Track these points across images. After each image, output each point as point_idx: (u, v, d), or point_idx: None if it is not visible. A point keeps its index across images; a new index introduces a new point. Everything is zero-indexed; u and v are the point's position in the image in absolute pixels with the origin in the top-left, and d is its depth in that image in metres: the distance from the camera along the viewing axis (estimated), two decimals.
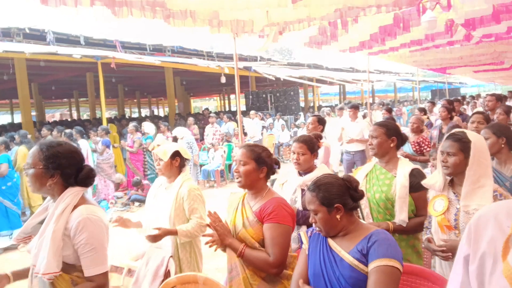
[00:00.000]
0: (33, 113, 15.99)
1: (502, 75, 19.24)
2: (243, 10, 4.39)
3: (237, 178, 2.15)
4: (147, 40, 13.12)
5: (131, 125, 8.84)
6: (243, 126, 8.32)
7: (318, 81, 18.59)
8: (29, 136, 7.68)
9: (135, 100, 30.80)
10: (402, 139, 2.67)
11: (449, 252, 2.06)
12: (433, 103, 10.63)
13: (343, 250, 1.71)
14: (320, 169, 2.79)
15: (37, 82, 16.68)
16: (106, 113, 12.90)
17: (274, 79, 14.67)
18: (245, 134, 10.50)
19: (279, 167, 2.31)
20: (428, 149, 5.04)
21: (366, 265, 1.64)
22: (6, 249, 5.65)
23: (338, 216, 1.73)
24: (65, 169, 1.85)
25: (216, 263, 4.56)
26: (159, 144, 6.26)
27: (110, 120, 14.94)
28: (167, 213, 2.71)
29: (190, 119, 11.17)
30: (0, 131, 11.48)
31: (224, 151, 9.74)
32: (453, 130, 2.31)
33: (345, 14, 4.58)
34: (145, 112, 33.42)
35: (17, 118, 23.67)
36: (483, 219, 0.85)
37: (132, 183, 8.20)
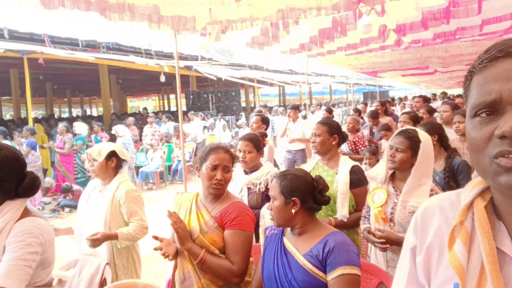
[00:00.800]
0: None
1: (426, 79, 20.90)
2: (185, 5, 4.25)
3: (220, 185, 1.98)
4: (79, 35, 12.31)
5: (61, 125, 8.24)
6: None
7: (259, 82, 18.83)
8: None
9: (65, 99, 28.88)
10: (343, 137, 2.75)
11: (386, 243, 2.15)
12: (366, 104, 11.30)
13: (298, 252, 1.68)
14: (266, 167, 2.78)
15: None
16: (33, 112, 11.91)
17: (215, 79, 14.56)
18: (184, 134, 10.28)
19: None
20: (363, 148, 5.29)
21: (321, 269, 1.61)
22: None
23: (293, 210, 1.70)
24: (2, 183, 1.58)
25: (154, 268, 4.39)
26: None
27: (36, 120, 13.83)
28: (102, 217, 2.53)
29: (130, 119, 10.67)
30: None
31: (164, 152, 9.44)
32: (406, 127, 2.41)
33: (287, 15, 4.64)
34: (76, 111, 31.52)
35: None
36: (429, 210, 0.86)
37: (61, 189, 7.60)
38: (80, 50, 11.70)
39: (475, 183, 0.81)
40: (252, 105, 24.64)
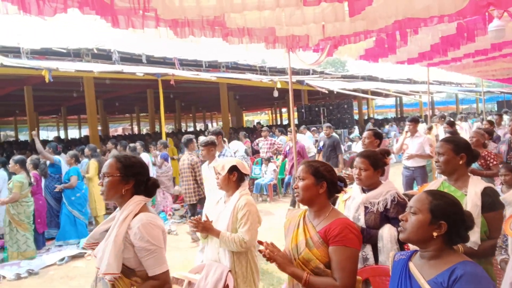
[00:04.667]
0: (99, 128, 17.09)
1: None
2: (299, 25, 4.40)
3: (296, 193, 2.16)
4: (203, 57, 13.60)
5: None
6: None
7: (373, 93, 18.14)
8: (98, 150, 8.18)
9: (190, 115, 32.05)
10: (473, 156, 2.50)
11: None
12: (500, 116, 9.91)
13: (423, 278, 1.59)
14: (386, 186, 2.68)
15: (102, 99, 17.86)
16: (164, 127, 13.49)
17: (327, 92, 14.53)
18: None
19: (345, 186, 2.25)
20: (494, 162, 4.71)
21: None
22: (74, 257, 5.95)
23: (435, 233, 1.58)
24: (138, 177, 2.01)
25: (271, 280, 4.54)
26: None
27: (168, 134, 15.60)
28: (224, 225, 2.75)
29: (241, 134, 11.26)
30: (70, 145, 12.38)
31: (277, 166, 9.73)
32: None
33: (405, 26, 4.44)
34: (199, 126, 34.56)
35: (84, 133, 25.50)
36: None
37: None
38: (203, 71, 12.91)
39: None
40: (366, 117, 23.82)
